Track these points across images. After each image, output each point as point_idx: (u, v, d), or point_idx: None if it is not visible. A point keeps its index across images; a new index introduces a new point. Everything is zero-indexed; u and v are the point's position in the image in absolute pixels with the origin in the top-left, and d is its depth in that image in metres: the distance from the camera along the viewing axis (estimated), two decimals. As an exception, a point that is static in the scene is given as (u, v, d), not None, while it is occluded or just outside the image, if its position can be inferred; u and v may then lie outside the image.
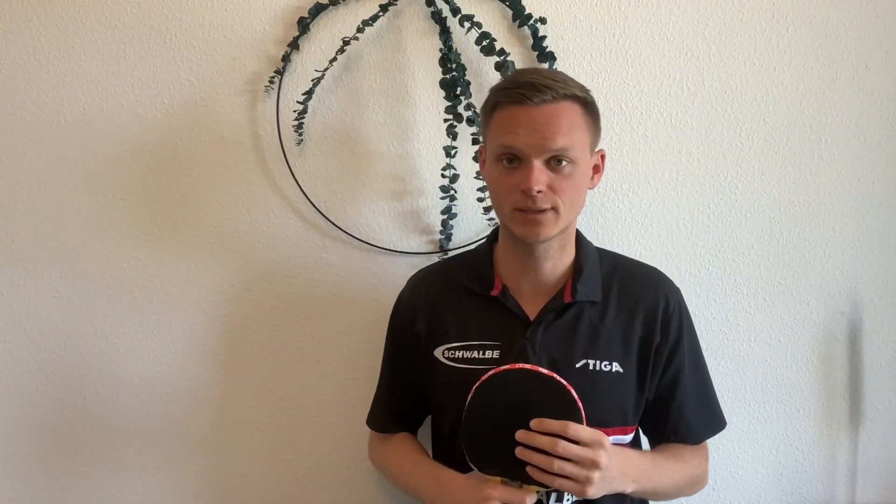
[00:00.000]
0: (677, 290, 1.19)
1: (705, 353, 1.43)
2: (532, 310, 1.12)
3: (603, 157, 1.14)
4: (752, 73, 1.40)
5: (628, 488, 1.04)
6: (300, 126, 1.38)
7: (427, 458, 1.20)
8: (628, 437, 1.14)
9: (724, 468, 1.45)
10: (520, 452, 0.98)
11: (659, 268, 1.42)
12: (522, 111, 1.03)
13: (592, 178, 1.12)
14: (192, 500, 1.44)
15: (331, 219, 1.41)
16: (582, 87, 1.08)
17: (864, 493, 1.46)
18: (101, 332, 1.43)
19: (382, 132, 1.40)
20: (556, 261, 1.12)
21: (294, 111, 1.37)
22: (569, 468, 0.96)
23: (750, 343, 1.44)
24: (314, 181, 1.41)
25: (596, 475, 0.96)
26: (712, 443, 1.44)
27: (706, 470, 1.22)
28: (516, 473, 1.00)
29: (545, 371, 1.01)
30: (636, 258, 1.42)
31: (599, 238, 1.41)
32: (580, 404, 0.99)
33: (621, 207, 1.42)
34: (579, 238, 1.17)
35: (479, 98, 1.25)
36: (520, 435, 0.98)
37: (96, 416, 1.43)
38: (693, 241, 1.42)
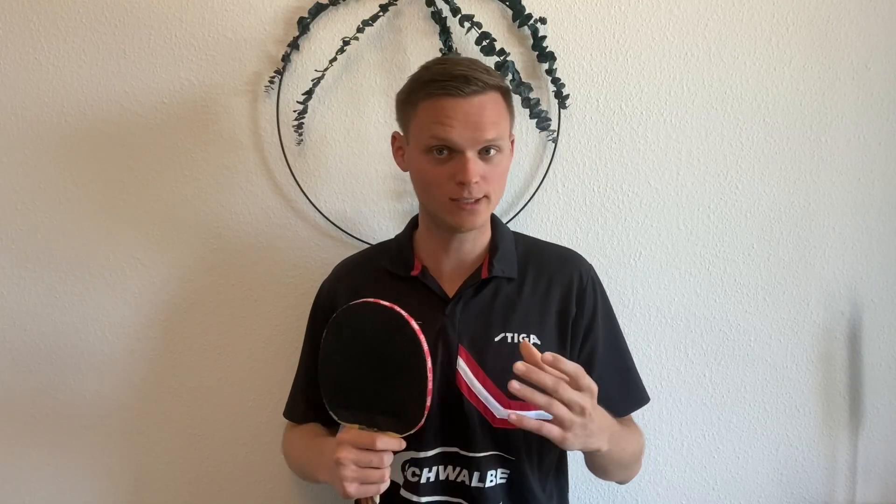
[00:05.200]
0: (590, 267, 1.21)
1: (706, 354, 1.44)
2: (451, 289, 1.15)
3: (513, 141, 1.18)
4: (752, 73, 1.40)
5: (604, 446, 1.02)
6: (300, 126, 1.38)
7: (322, 435, 1.21)
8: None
9: (724, 468, 1.45)
10: (515, 389, 0.93)
11: (659, 267, 1.42)
12: (455, 103, 1.04)
13: None
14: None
15: (331, 219, 1.41)
16: (501, 77, 1.12)
17: (864, 493, 1.46)
18: (102, 332, 1.43)
19: (382, 132, 1.40)
20: (475, 242, 1.16)
21: (294, 111, 1.37)
22: (563, 411, 0.94)
23: (750, 343, 1.44)
24: (314, 181, 1.41)
25: (579, 422, 0.95)
26: (713, 442, 1.45)
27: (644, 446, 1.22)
28: (370, 418, 1.00)
29: (385, 303, 1.01)
30: (637, 258, 1.43)
31: (599, 237, 1.42)
32: (422, 337, 0.98)
33: (621, 207, 1.42)
34: (494, 220, 1.21)
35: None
36: (520, 368, 0.93)
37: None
38: (693, 241, 1.42)
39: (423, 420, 1.00)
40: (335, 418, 1.05)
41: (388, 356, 1.00)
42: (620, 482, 1.26)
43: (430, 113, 1.06)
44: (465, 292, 1.14)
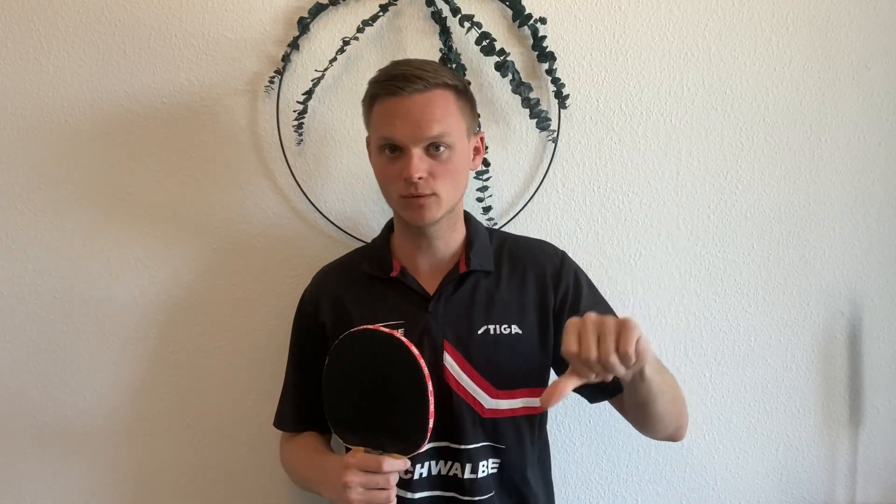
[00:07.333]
0: (562, 252, 1.23)
1: (705, 354, 1.44)
2: (431, 286, 1.17)
3: (482, 139, 1.19)
4: (752, 73, 1.40)
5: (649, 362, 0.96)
6: (300, 126, 1.38)
7: (322, 449, 1.22)
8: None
9: (724, 468, 1.45)
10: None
11: (659, 267, 1.42)
12: (397, 102, 1.07)
13: (473, 159, 1.18)
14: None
15: (331, 219, 1.41)
16: (454, 76, 1.13)
17: (864, 493, 1.46)
18: (102, 331, 1.43)
19: (382, 132, 1.40)
20: (448, 239, 1.18)
21: (294, 111, 1.37)
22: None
23: (750, 343, 1.44)
24: (314, 181, 1.41)
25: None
26: (712, 443, 1.45)
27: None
28: (375, 441, 1.03)
29: (384, 329, 1.04)
30: (637, 258, 1.43)
31: (599, 237, 1.42)
32: (422, 361, 1.02)
33: (621, 207, 1.41)
34: (468, 217, 1.23)
35: (479, 98, 1.25)
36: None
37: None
38: (693, 241, 1.42)
39: (427, 441, 1.02)
40: (341, 441, 1.07)
41: (389, 381, 1.03)
42: (672, 433, 1.17)
43: (378, 114, 1.11)
44: (445, 288, 1.16)
